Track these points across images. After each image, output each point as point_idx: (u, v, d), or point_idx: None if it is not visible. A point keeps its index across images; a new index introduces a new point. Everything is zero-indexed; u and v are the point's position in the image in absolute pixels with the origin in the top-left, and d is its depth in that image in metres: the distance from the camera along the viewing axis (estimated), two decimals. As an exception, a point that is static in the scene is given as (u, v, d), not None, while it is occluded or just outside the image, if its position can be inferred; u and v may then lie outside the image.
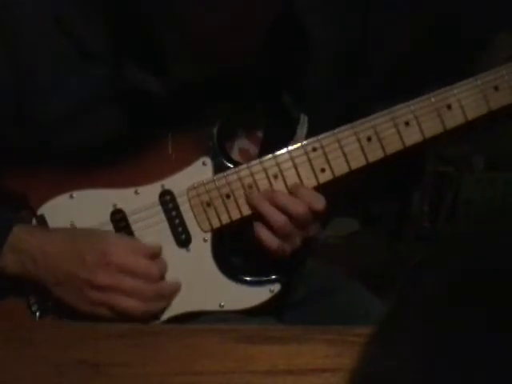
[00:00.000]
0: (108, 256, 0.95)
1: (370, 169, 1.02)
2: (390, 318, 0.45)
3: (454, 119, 1.02)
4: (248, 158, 1.04)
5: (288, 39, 1.07)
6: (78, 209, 1.01)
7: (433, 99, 1.01)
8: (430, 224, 2.45)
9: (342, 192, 1.03)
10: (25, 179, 1.01)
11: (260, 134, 1.08)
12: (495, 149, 2.38)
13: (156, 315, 1.00)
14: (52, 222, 1.01)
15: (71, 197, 1.01)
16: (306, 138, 1.03)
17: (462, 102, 1.01)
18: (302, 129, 1.09)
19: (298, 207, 0.98)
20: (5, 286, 0.99)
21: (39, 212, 1.01)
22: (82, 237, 0.98)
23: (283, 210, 0.98)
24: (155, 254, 1.00)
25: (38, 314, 1.01)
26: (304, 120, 1.08)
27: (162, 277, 1.00)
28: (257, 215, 1.00)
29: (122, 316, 0.97)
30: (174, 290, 1.01)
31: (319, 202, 0.99)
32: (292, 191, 1.00)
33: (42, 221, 1.01)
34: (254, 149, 1.07)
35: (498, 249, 0.42)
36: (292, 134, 1.06)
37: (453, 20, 2.17)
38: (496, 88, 1.01)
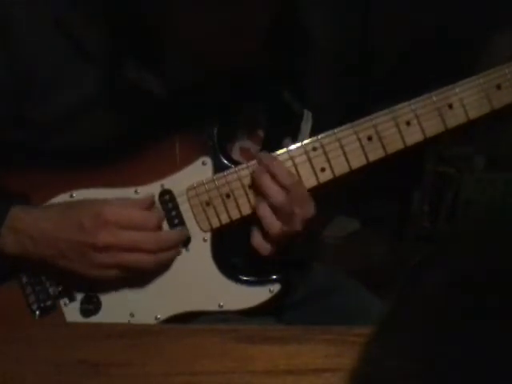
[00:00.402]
0: (103, 215, 0.95)
1: (370, 168, 1.02)
2: (389, 318, 0.45)
3: (456, 118, 1.01)
4: (249, 157, 1.04)
5: (288, 39, 1.07)
6: None
7: (434, 98, 1.01)
8: (430, 224, 2.45)
9: (342, 192, 1.03)
10: (25, 179, 1.01)
11: (261, 133, 1.08)
12: (495, 149, 2.38)
13: (164, 267, 1.00)
14: None
15: (71, 196, 1.01)
16: (311, 134, 1.03)
17: (463, 100, 1.00)
18: (307, 124, 1.09)
19: (299, 187, 0.98)
20: (6, 268, 0.99)
21: (39, 212, 1.01)
22: (75, 205, 0.98)
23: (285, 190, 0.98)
24: (148, 204, 1.00)
25: (37, 312, 1.01)
26: (308, 115, 1.08)
27: (159, 225, 1.00)
28: (258, 192, 0.99)
29: (132, 272, 0.97)
30: (177, 238, 1.01)
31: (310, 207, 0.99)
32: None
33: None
34: (255, 148, 1.07)
35: (497, 249, 0.42)
36: (296, 130, 1.06)
37: (453, 20, 2.17)
38: (498, 87, 1.00)
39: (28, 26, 0.95)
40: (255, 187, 1.00)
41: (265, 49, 1.01)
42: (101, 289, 1.02)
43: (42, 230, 0.96)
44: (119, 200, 1.00)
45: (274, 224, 0.98)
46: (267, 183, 0.98)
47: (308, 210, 1.00)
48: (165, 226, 1.02)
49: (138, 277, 1.01)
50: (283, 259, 1.04)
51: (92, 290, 1.02)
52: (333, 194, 1.01)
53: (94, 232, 0.95)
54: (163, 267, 1.01)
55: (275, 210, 0.97)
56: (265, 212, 0.98)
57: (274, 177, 0.98)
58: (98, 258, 0.96)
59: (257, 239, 1.00)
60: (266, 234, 0.99)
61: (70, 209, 0.98)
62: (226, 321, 1.01)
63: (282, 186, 0.97)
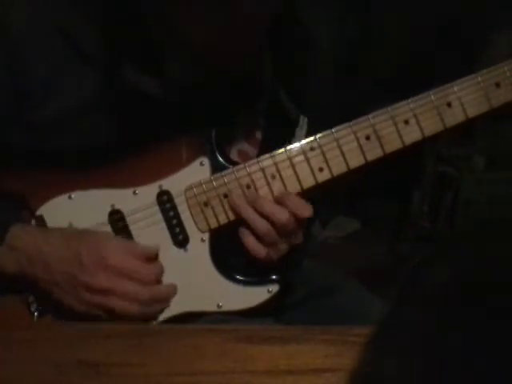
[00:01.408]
0: (106, 259, 0.95)
1: (369, 168, 1.01)
2: (390, 318, 0.45)
3: (455, 117, 1.01)
4: (247, 159, 1.04)
5: (288, 39, 1.07)
6: (77, 209, 1.01)
7: (432, 97, 1.00)
8: (430, 224, 2.45)
9: (342, 192, 1.03)
10: (24, 180, 1.01)
11: (259, 136, 1.08)
12: (495, 149, 2.38)
13: (153, 316, 1.00)
14: (51, 223, 1.01)
15: (70, 197, 1.01)
16: (307, 137, 1.03)
17: (462, 99, 1.00)
18: (301, 130, 1.09)
19: (281, 216, 0.98)
20: (4, 285, 0.99)
21: (38, 212, 1.01)
22: (78, 237, 0.98)
23: (267, 218, 0.98)
24: (152, 257, 1.00)
25: (36, 314, 1.01)
26: (303, 121, 1.08)
27: (158, 280, 1.00)
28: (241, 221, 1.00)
29: (118, 317, 0.97)
30: (170, 294, 1.01)
31: (305, 210, 0.99)
32: (278, 199, 1.00)
33: (40, 221, 1.01)
34: (252, 151, 1.07)
35: (497, 249, 0.42)
36: (291, 135, 1.06)
37: (453, 20, 2.17)
38: (497, 85, 1.00)
39: (28, 26, 0.95)
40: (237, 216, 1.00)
41: (265, 49, 1.01)
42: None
43: (41, 253, 0.96)
44: (124, 244, 0.99)
45: (259, 250, 0.99)
46: (250, 215, 0.98)
47: (296, 239, 1.01)
48: (163, 226, 1.02)
49: None
50: (281, 260, 1.04)
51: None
52: (333, 195, 1.01)
53: (92, 272, 0.95)
54: (160, 272, 1.01)
55: (259, 238, 0.98)
56: (250, 241, 0.99)
57: (256, 209, 0.98)
58: (90, 298, 0.96)
59: (249, 241, 1.00)
60: (258, 238, 0.99)
61: (73, 239, 0.97)
62: (226, 321, 1.01)
63: (268, 219, 0.98)
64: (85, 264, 0.95)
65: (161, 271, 1.00)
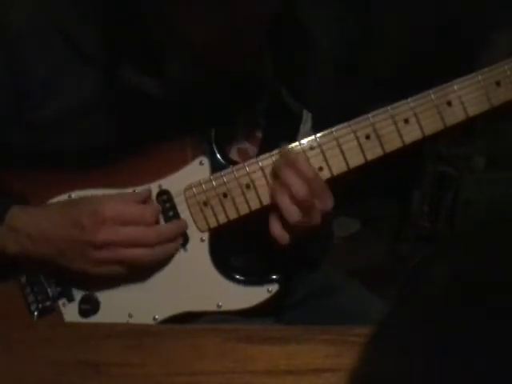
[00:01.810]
0: (101, 212, 0.95)
1: (369, 167, 1.01)
2: (390, 318, 0.45)
3: (455, 116, 1.00)
4: (247, 158, 1.04)
5: (288, 39, 1.07)
6: None
7: (432, 96, 1.00)
8: (430, 224, 2.46)
9: (342, 192, 1.03)
10: (24, 180, 1.01)
11: (259, 135, 1.08)
12: (495, 149, 2.38)
13: (165, 258, 1.00)
14: None
15: (70, 197, 1.01)
16: (310, 134, 1.03)
17: (462, 98, 1.00)
18: (306, 126, 1.08)
19: (318, 180, 0.97)
20: (5, 268, 0.99)
21: (38, 212, 1.01)
22: (73, 204, 0.98)
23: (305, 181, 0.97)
24: (145, 198, 1.00)
25: (36, 313, 1.01)
26: (307, 116, 1.08)
27: (157, 219, 1.00)
28: (280, 185, 0.98)
29: (133, 267, 0.98)
30: (175, 231, 1.01)
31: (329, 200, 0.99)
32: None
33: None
34: (253, 149, 1.07)
35: (498, 249, 0.42)
36: (295, 131, 1.06)
37: (453, 20, 2.17)
38: (498, 83, 1.00)
39: (28, 26, 0.95)
40: (275, 178, 0.99)
41: (265, 49, 1.01)
42: (99, 289, 1.02)
43: (40, 228, 0.96)
44: (116, 196, 1.00)
45: (294, 213, 0.97)
46: (289, 176, 0.97)
47: (327, 203, 0.99)
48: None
49: (137, 277, 1.01)
50: (285, 258, 1.04)
51: (90, 291, 1.02)
52: (333, 195, 1.01)
53: (92, 230, 0.95)
54: (161, 266, 1.01)
55: (296, 201, 0.96)
56: (285, 202, 0.97)
57: (296, 170, 0.97)
58: (98, 255, 0.96)
59: (275, 228, 0.99)
60: (285, 224, 0.98)
61: (69, 207, 0.98)
62: (226, 321, 1.01)
63: (304, 179, 0.97)
64: (84, 224, 0.95)
65: (158, 210, 1.01)
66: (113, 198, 0.99)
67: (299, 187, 0.96)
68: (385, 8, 2.28)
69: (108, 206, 0.96)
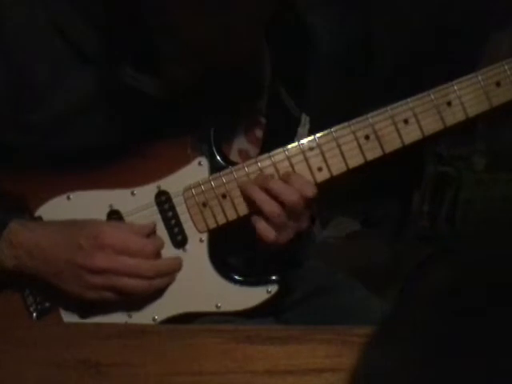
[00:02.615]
0: (101, 238, 0.95)
1: (369, 167, 1.01)
2: (390, 318, 0.45)
3: (455, 116, 1.00)
4: (248, 159, 1.04)
5: (288, 39, 1.07)
6: (75, 210, 1.01)
7: (432, 96, 1.00)
8: (430, 224, 2.45)
9: (342, 192, 1.03)
10: (23, 181, 1.01)
11: (260, 135, 1.08)
12: (495, 149, 2.38)
13: (159, 292, 1.00)
14: None
15: (68, 198, 1.01)
16: (308, 135, 1.03)
17: (462, 98, 0.99)
18: (304, 129, 1.08)
19: (291, 195, 0.97)
20: (3, 279, 0.99)
21: (37, 213, 1.01)
22: (74, 226, 0.98)
23: (276, 198, 0.97)
24: (148, 231, 1.00)
25: (34, 314, 1.01)
26: (305, 120, 1.08)
27: (158, 253, 1.00)
28: (251, 204, 0.99)
29: (126, 296, 0.97)
30: (173, 266, 1.01)
31: (310, 190, 0.98)
32: (284, 178, 0.99)
33: (40, 222, 1.01)
34: (254, 150, 1.07)
35: (498, 249, 0.42)
36: (293, 134, 1.06)
37: (453, 20, 2.17)
38: (498, 84, 0.99)
39: (27, 27, 0.95)
40: (246, 199, 1.00)
41: (265, 49, 1.01)
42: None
43: (40, 246, 0.96)
44: (121, 224, 1.00)
45: (269, 233, 0.98)
46: (261, 197, 0.98)
47: (303, 224, 1.00)
48: (162, 227, 1.02)
49: None
50: (280, 258, 1.04)
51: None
52: (333, 195, 1.01)
53: (90, 253, 0.95)
54: (159, 245, 1.01)
55: (268, 220, 0.98)
56: (260, 224, 0.98)
57: (267, 190, 0.98)
58: (92, 280, 0.96)
59: (260, 224, 0.99)
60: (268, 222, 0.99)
61: (70, 228, 0.97)
62: (226, 321, 1.01)
63: (277, 200, 0.97)
64: (83, 248, 0.95)
65: (160, 244, 1.00)
66: (116, 227, 0.99)
67: (270, 206, 0.97)
68: (385, 8, 2.28)
69: (110, 233, 0.96)
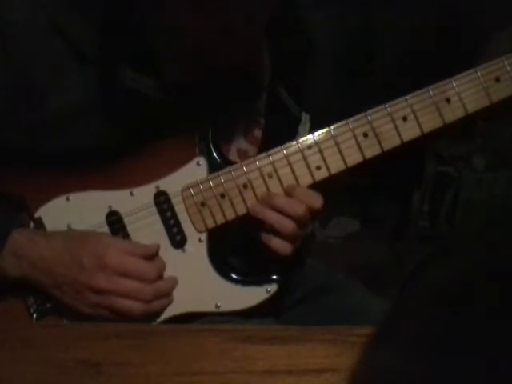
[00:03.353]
0: (104, 259, 0.95)
1: (368, 165, 1.01)
2: (390, 318, 0.45)
3: (454, 113, 0.99)
4: (247, 159, 1.04)
5: (288, 39, 1.07)
6: (75, 211, 1.01)
7: (431, 92, 0.99)
8: (430, 224, 2.45)
9: (342, 192, 1.03)
10: (22, 182, 1.01)
11: (259, 135, 1.08)
12: (495, 149, 2.38)
13: (155, 315, 1.00)
14: (49, 225, 1.01)
15: (68, 199, 1.01)
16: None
17: (461, 94, 0.99)
18: (305, 127, 1.08)
19: (298, 209, 0.97)
20: (5, 287, 0.99)
21: (36, 215, 1.01)
22: (78, 240, 0.98)
23: (284, 213, 0.97)
24: (152, 254, 1.00)
25: (35, 315, 1.01)
26: (306, 118, 1.08)
27: (159, 276, 1.00)
28: (263, 225, 0.99)
29: (122, 317, 0.97)
30: (172, 288, 1.01)
31: (317, 201, 0.98)
32: (288, 192, 0.99)
33: (39, 223, 1.01)
34: (253, 150, 1.07)
35: (498, 249, 0.42)
36: (294, 133, 1.06)
37: (453, 20, 2.17)
38: (497, 79, 0.98)
39: (27, 27, 0.95)
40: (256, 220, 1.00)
41: (265, 49, 1.01)
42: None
43: (43, 258, 0.96)
44: (122, 244, 1.00)
45: (286, 248, 0.98)
46: (275, 218, 0.98)
47: (309, 229, 1.01)
48: (161, 227, 1.02)
49: None
50: (282, 259, 1.04)
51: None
52: (333, 195, 1.01)
53: (91, 273, 0.95)
54: (161, 268, 1.01)
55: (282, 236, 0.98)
56: (276, 242, 0.99)
57: (275, 208, 0.98)
58: (91, 298, 0.96)
59: (276, 242, 0.99)
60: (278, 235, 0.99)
61: (73, 244, 0.98)
62: (226, 321, 1.01)
63: (285, 215, 0.97)
64: (85, 266, 0.95)
65: (162, 267, 1.00)
66: (119, 247, 0.99)
67: (287, 224, 0.97)
68: (385, 8, 2.28)
69: (113, 253, 0.96)
